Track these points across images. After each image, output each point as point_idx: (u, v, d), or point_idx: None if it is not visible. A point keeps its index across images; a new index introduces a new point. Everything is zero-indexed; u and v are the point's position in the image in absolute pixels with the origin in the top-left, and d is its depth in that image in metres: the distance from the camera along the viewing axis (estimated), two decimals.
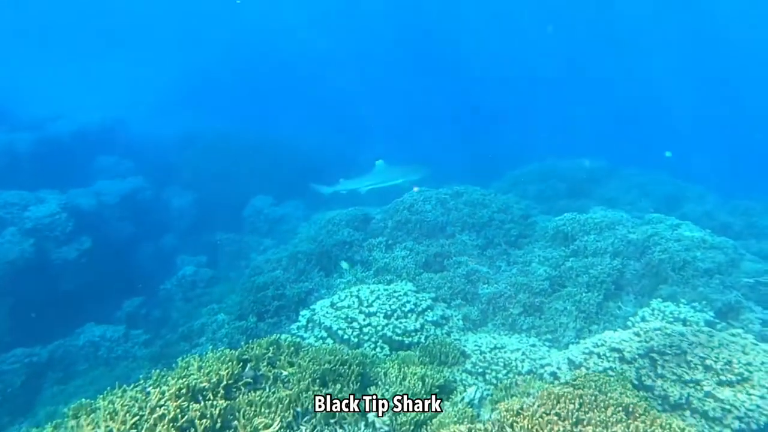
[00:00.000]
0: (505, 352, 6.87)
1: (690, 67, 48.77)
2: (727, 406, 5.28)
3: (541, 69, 52.89)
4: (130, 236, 16.70)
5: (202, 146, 22.58)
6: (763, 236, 12.34)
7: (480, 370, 6.57)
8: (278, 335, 5.87)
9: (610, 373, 5.85)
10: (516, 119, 37.81)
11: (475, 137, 31.05)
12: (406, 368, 5.87)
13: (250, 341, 5.26)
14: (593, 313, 8.06)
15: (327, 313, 7.74)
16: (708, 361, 5.74)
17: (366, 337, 7.26)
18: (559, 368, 6.33)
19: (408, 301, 7.84)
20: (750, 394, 5.40)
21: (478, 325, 8.33)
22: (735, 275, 8.85)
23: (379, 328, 7.33)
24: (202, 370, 4.42)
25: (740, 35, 49.18)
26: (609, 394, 4.96)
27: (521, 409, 4.28)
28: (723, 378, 5.57)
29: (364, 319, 7.53)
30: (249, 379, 4.57)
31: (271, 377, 4.66)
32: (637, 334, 6.45)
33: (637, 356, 6.02)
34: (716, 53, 49.95)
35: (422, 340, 7.29)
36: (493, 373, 6.52)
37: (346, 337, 7.31)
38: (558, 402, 4.21)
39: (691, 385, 5.56)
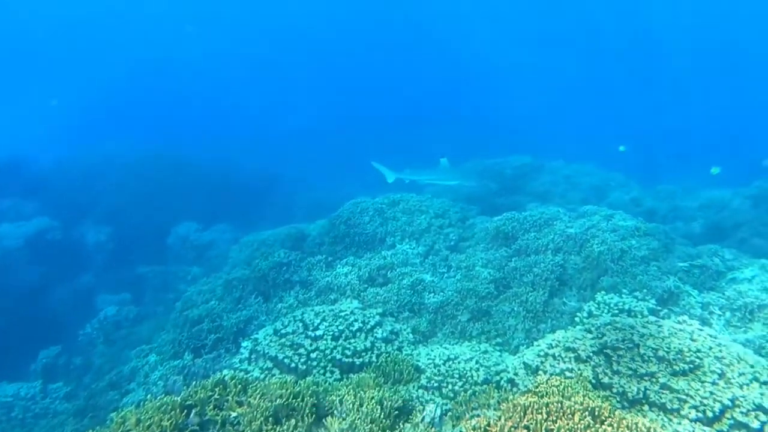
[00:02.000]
0: (458, 362, 6.77)
1: (605, 60, 51.76)
2: (683, 396, 5.41)
3: (462, 68, 54.27)
4: (39, 281, 15.48)
5: (116, 175, 21.30)
6: (687, 218, 13.07)
7: (436, 384, 6.43)
8: (223, 374, 5.48)
9: (568, 374, 5.87)
10: (442, 120, 38.35)
11: (403, 141, 31.20)
12: (362, 393, 5.62)
13: (193, 383, 4.83)
14: (540, 312, 8.15)
15: (271, 341, 7.36)
16: (660, 352, 5.89)
17: (315, 363, 6.96)
18: (516, 374, 6.30)
19: (355, 320, 7.61)
20: (703, 382, 5.57)
21: (428, 336, 8.22)
22: (670, 260, 9.26)
23: (328, 351, 7.05)
24: (141, 424, 4.00)
25: (650, 24, 52.59)
26: (573, 399, 4.94)
27: (488, 426, 4.17)
28: (676, 368, 5.72)
29: (311, 344, 7.23)
30: (195, 427, 4.19)
31: (219, 421, 4.29)
32: (589, 331, 6.54)
33: (592, 354, 6.09)
34: (629, 44, 53.04)
35: (374, 358, 7.07)
36: (450, 386, 6.39)
37: (293, 365, 6.98)
38: (525, 414, 4.12)
39: (647, 378, 5.66)
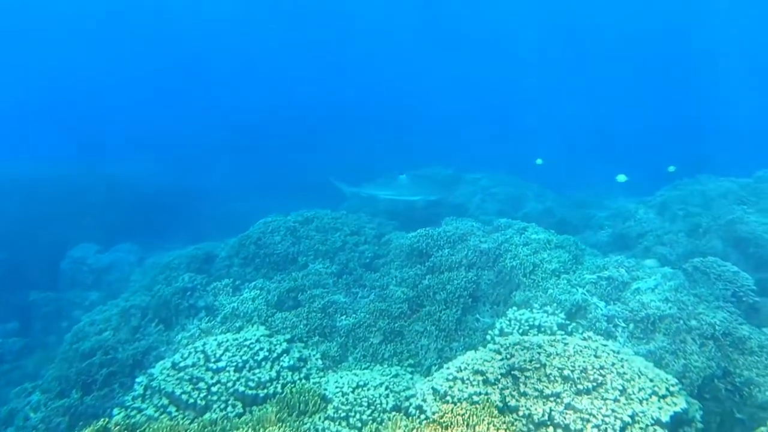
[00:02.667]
0: (368, 389, 6.65)
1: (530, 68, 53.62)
2: (586, 416, 5.52)
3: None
4: None
5: (12, 198, 19.57)
6: (596, 227, 13.67)
7: (343, 414, 6.27)
8: (105, 420, 5.08)
9: (475, 398, 5.86)
10: (359, 134, 38.36)
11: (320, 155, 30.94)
12: (261, 430, 5.40)
13: (80, 423, 4.42)
14: (453, 330, 8.20)
15: (168, 376, 6.95)
16: (566, 372, 6.00)
17: (215, 398, 6.63)
18: (424, 400, 6.23)
19: (261, 348, 7.33)
20: (605, 399, 5.72)
21: (338, 361, 8.05)
22: (579, 272, 9.56)
23: (230, 384, 6.74)
24: None
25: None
26: (477, 428, 4.94)
27: None
28: (580, 387, 5.84)
29: (212, 377, 6.89)
30: None
31: None
32: (498, 352, 6.59)
33: (500, 376, 6.13)
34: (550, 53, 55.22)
35: (279, 389, 6.83)
36: (357, 416, 6.25)
37: (191, 401, 6.61)
38: None
39: (552, 399, 5.75)
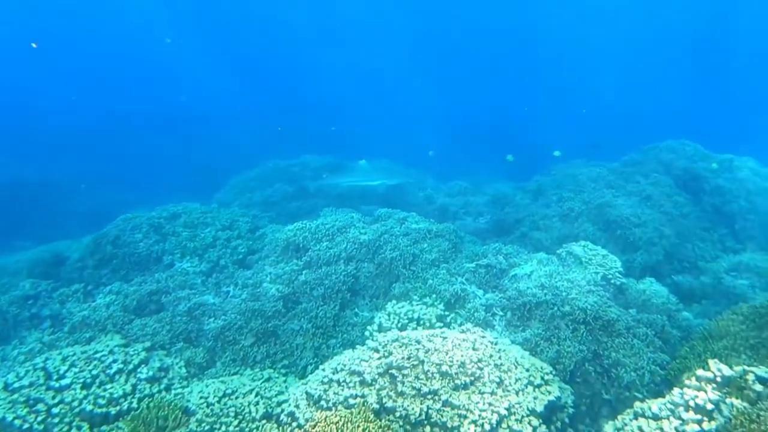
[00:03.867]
0: (236, 397, 6.21)
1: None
2: (464, 412, 5.48)
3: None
4: None
5: None
6: (476, 214, 14.03)
7: (207, 428, 5.79)
8: None
9: (351, 401, 5.63)
10: (229, 123, 36.77)
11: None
12: None
13: None
14: (330, 327, 7.94)
15: None
16: (444, 367, 5.93)
17: (56, 420, 5.87)
18: (297, 406, 5.90)
19: (115, 360, 6.63)
20: (482, 393, 5.71)
21: (205, 368, 7.50)
22: (458, 261, 9.67)
23: (75, 403, 6.00)
24: None
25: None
26: None
27: None
28: (458, 382, 5.79)
29: (53, 397, 6.09)
30: None
31: None
32: (376, 350, 6.41)
33: (377, 376, 5.94)
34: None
35: (135, 404, 6.19)
36: (223, 428, 5.81)
37: (26, 426, 5.80)
38: None
39: (430, 397, 5.65)
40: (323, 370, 6.35)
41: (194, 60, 52.99)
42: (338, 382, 5.97)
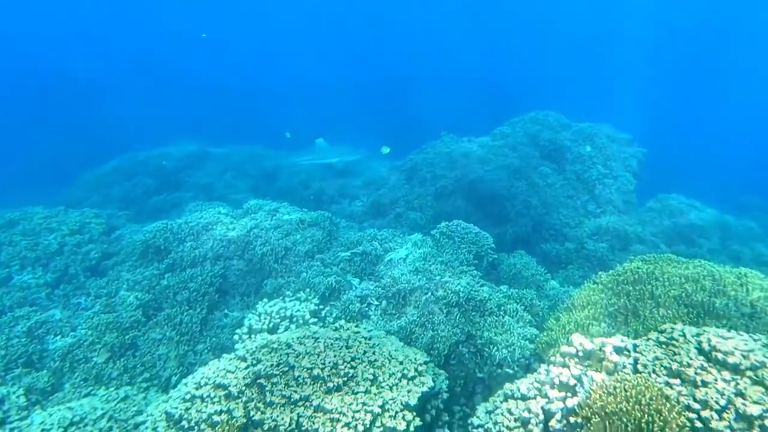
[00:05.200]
0: (85, 425, 5.71)
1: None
2: (337, 416, 5.39)
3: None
4: None
5: None
6: (352, 197, 13.98)
7: None
8: None
9: (216, 418, 5.35)
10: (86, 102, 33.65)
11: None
12: None
13: None
14: (197, 332, 7.55)
15: None
16: (316, 371, 5.80)
17: None
18: (155, 429, 5.54)
19: None
20: (356, 393, 5.65)
21: (50, 393, 6.84)
22: (334, 250, 9.56)
23: None
24: None
25: None
26: None
27: None
28: (331, 385, 5.69)
29: None
30: None
31: None
32: (243, 359, 6.15)
33: (244, 387, 5.69)
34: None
35: None
36: None
37: None
38: None
39: (301, 404, 5.50)
40: (186, 385, 5.99)
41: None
42: (201, 398, 5.66)
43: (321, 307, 7.89)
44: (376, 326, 7.57)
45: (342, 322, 7.19)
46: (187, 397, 5.73)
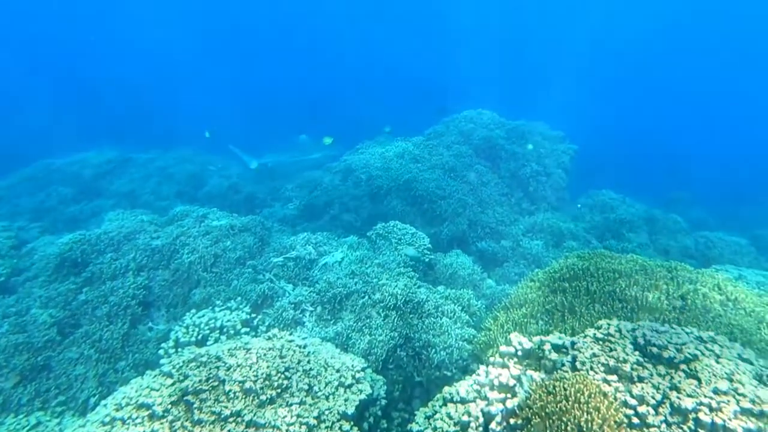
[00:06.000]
0: None
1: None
2: (270, 430, 5.21)
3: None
4: None
5: None
6: (285, 199, 13.69)
7: None
8: None
9: None
10: None
11: None
12: None
13: None
14: (118, 349, 7.13)
15: None
16: (248, 384, 5.57)
17: None
18: None
19: None
20: (290, 406, 5.47)
21: None
22: (266, 256, 9.29)
23: None
24: None
25: None
26: None
27: None
28: (264, 397, 5.48)
29: None
30: None
31: None
32: (170, 375, 5.83)
33: (170, 405, 5.39)
34: None
35: None
36: None
37: None
38: None
39: (232, 420, 5.26)
40: (105, 407, 5.62)
41: None
42: (122, 421, 5.32)
43: (253, 315, 7.64)
44: (311, 333, 7.39)
45: (275, 330, 6.95)
46: (106, 420, 5.38)
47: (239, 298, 7.84)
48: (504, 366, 5.64)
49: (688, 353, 4.75)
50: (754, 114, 46.34)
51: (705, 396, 4.27)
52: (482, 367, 5.83)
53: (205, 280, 8.23)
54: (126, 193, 13.21)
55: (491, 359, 5.93)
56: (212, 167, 15.74)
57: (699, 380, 4.47)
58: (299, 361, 6.03)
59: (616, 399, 4.46)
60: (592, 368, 5.01)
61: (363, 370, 6.37)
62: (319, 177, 14.04)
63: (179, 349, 6.66)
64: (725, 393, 4.29)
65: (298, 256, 9.17)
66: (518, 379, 5.30)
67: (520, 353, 5.69)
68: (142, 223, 9.31)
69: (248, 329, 7.28)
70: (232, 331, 7.13)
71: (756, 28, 47.76)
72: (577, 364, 5.13)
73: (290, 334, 6.84)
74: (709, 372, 4.53)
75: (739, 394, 4.26)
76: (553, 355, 5.37)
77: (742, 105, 47.83)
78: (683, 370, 4.62)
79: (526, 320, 7.00)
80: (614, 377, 4.79)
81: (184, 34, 49.56)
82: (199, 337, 6.97)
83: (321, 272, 8.94)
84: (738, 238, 13.08)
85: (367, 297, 7.92)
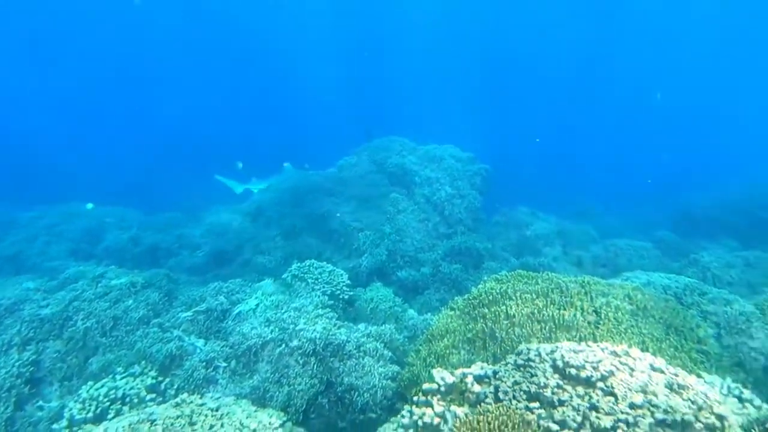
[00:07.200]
0: None
1: None
2: None
3: None
4: None
5: None
6: (193, 247, 13.09)
7: None
8: None
9: None
10: None
11: None
12: None
13: None
14: None
15: None
16: None
17: None
18: None
19: None
20: None
21: None
22: (173, 311, 8.77)
23: None
24: None
25: None
26: None
27: None
28: None
29: None
30: None
31: None
32: None
33: None
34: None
35: None
36: None
37: None
38: None
39: None
40: None
41: None
42: None
43: (161, 379, 7.12)
44: (225, 391, 6.97)
45: (185, 395, 6.48)
46: None
47: (144, 362, 7.30)
48: (428, 404, 5.47)
49: (605, 370, 4.76)
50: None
51: (622, 412, 4.27)
52: (406, 407, 5.65)
53: (104, 346, 7.62)
54: (10, 257, 12.14)
55: (415, 398, 5.76)
56: (109, 219, 14.87)
57: (616, 396, 4.47)
58: (211, 426, 5.63)
59: (539, 426, 4.40)
60: (514, 397, 4.93)
61: (282, 425, 6.05)
62: (229, 220, 13.57)
63: (74, 428, 6.06)
64: (640, 407, 4.31)
65: (208, 308, 8.71)
66: (442, 416, 5.15)
67: (443, 389, 5.54)
68: (28, 292, 8.54)
69: (155, 395, 6.77)
70: (136, 400, 6.60)
71: (617, 30, 50.84)
72: (500, 394, 5.03)
73: (201, 397, 6.39)
74: (624, 387, 4.54)
75: (653, 406, 4.28)
76: (476, 387, 5.25)
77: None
78: (600, 388, 4.62)
79: (448, 351, 6.88)
80: (536, 404, 4.72)
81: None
82: (98, 411, 6.38)
83: (235, 323, 8.52)
84: (643, 243, 13.68)
85: (284, 345, 7.58)
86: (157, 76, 50.52)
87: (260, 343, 7.66)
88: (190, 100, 48.37)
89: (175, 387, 6.95)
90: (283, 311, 8.51)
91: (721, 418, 4.35)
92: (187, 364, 7.42)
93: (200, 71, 51.94)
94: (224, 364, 7.50)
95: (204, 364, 7.40)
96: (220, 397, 6.46)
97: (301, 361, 7.35)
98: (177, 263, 11.28)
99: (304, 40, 55.18)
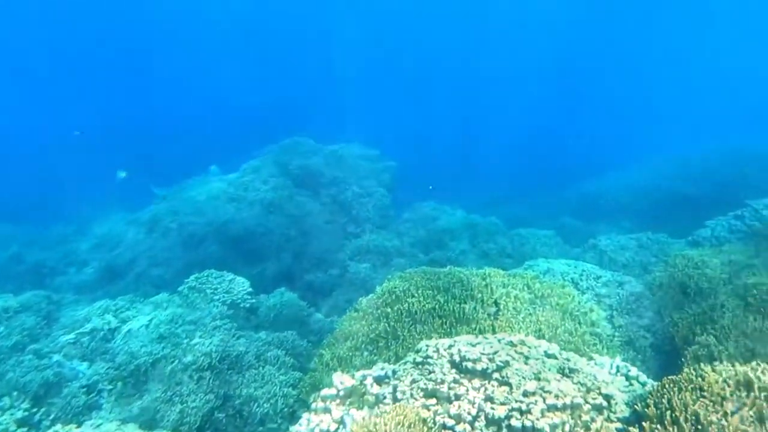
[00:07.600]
0: None
1: None
2: None
3: None
4: None
5: None
6: (81, 263, 12.23)
7: None
8: None
9: None
10: None
11: None
12: None
13: None
14: None
15: None
16: None
17: None
18: None
19: None
20: None
21: None
22: (54, 335, 8.11)
23: None
24: None
25: None
26: None
27: None
28: None
29: None
30: None
31: None
32: None
33: None
34: None
35: None
36: None
37: None
38: None
39: None
40: None
41: None
42: None
43: (34, 410, 6.51)
44: (109, 416, 6.46)
45: (58, 426, 5.94)
46: None
47: (15, 393, 6.66)
48: (326, 410, 5.26)
49: (500, 361, 4.72)
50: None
51: (516, 401, 4.23)
52: (305, 415, 5.42)
53: None
54: None
55: (313, 405, 5.54)
56: None
57: (510, 386, 4.43)
58: None
59: (435, 423, 4.29)
60: (412, 395, 4.80)
61: None
62: (121, 232, 12.79)
63: None
64: (533, 394, 4.29)
65: (94, 329, 8.11)
66: (340, 421, 4.96)
67: (342, 393, 5.35)
68: None
69: (27, 428, 6.17)
70: None
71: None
72: (398, 394, 4.90)
73: (78, 426, 5.88)
74: (518, 376, 4.51)
75: (545, 392, 4.27)
76: (375, 389, 5.11)
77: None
78: (496, 379, 4.57)
79: (351, 354, 6.71)
80: (433, 401, 4.62)
81: None
82: None
83: (124, 342, 7.97)
84: (546, 231, 14.03)
85: (176, 361, 7.14)
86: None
87: (150, 361, 7.20)
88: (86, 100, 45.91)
89: (51, 418, 6.38)
90: (178, 326, 8.06)
91: (608, 397, 4.40)
92: (65, 390, 6.83)
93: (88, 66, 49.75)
94: (109, 387, 6.97)
95: (85, 389, 6.84)
96: (101, 424, 5.96)
97: (195, 377, 6.95)
98: (64, 282, 10.49)
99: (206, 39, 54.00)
